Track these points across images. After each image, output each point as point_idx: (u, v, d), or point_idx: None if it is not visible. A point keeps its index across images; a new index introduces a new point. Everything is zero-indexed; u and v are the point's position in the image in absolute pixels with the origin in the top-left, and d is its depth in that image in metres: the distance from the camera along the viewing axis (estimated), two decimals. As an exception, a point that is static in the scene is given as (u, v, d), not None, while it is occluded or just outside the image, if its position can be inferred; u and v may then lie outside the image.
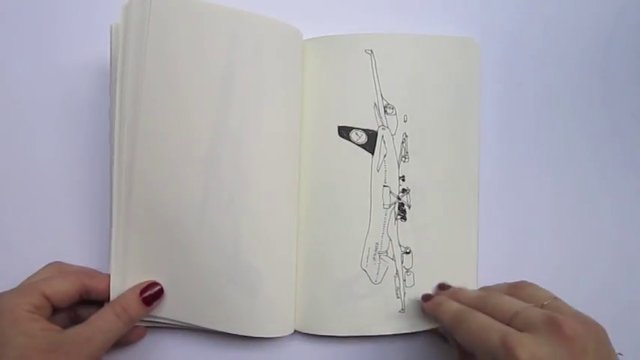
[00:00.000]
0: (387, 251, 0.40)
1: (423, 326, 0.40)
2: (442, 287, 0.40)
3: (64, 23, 0.43)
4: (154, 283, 0.37)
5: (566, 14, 0.44)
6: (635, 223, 0.43)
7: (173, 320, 0.38)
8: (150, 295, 0.36)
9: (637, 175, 0.43)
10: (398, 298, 0.40)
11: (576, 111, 0.44)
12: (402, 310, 0.40)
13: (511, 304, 0.32)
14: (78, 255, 0.40)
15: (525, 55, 0.44)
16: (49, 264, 0.37)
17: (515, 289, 0.35)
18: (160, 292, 0.37)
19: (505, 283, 0.38)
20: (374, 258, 0.40)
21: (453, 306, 0.35)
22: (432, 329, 0.40)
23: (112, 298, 0.36)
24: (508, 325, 0.31)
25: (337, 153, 0.40)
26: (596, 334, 0.30)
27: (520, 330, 0.30)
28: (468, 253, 0.41)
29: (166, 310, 0.37)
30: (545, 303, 0.33)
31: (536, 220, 0.43)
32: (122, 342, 0.37)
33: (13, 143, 0.42)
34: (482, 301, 0.34)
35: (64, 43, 0.43)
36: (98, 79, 0.42)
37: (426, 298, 0.39)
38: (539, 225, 0.43)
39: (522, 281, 0.36)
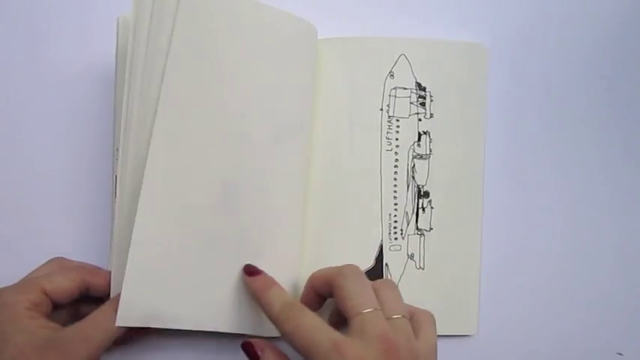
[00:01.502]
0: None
1: None
2: (250, 272, 0.36)
3: (66, 21, 0.42)
4: None
5: (573, 18, 0.45)
6: (636, 223, 0.43)
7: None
8: None
9: (639, 176, 0.43)
10: None
11: (582, 114, 0.44)
12: None
13: (353, 301, 0.31)
14: (78, 252, 0.39)
15: (530, 57, 0.44)
16: (51, 259, 0.37)
17: (339, 277, 0.33)
18: None
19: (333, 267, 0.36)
20: None
21: (284, 297, 0.34)
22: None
23: (112, 295, 0.35)
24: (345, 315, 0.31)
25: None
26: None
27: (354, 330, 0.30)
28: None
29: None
30: (366, 311, 0.31)
31: (536, 220, 0.43)
32: (123, 340, 0.36)
33: (13, 142, 0.41)
34: (334, 278, 0.33)
35: (65, 40, 0.42)
36: (100, 78, 0.42)
37: (252, 271, 0.36)
38: (539, 225, 0.43)
39: (349, 265, 0.34)
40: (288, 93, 0.38)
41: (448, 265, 0.40)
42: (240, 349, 0.34)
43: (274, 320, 0.33)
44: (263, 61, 0.37)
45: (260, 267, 0.37)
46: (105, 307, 0.34)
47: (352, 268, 0.34)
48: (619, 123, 0.44)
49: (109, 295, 0.35)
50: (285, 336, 0.32)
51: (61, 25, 0.42)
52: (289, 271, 0.39)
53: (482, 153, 0.42)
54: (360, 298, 0.32)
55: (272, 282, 0.35)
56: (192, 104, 0.36)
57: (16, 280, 0.35)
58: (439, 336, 0.40)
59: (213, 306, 0.36)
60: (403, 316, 0.32)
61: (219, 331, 0.37)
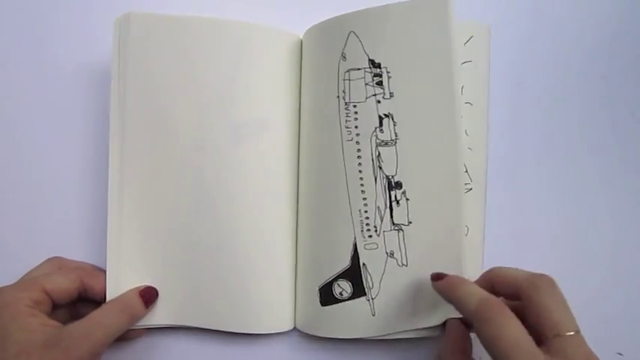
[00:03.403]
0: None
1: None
2: (436, 278, 0.35)
3: (67, 20, 0.43)
4: (151, 287, 0.38)
5: (570, 16, 0.44)
6: (635, 223, 0.42)
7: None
8: (148, 298, 0.37)
9: (637, 175, 0.42)
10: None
11: (578, 111, 0.43)
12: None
13: (552, 320, 0.29)
14: (77, 251, 0.40)
15: (528, 55, 0.44)
16: (49, 259, 0.38)
17: (535, 290, 0.31)
18: (156, 296, 0.38)
19: (521, 271, 0.33)
20: None
21: (477, 291, 0.31)
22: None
23: (108, 297, 0.37)
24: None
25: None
26: None
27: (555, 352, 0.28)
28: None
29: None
30: (568, 334, 0.29)
31: (535, 219, 0.42)
32: (121, 339, 0.37)
33: (12, 141, 0.42)
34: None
35: (66, 39, 0.43)
36: (100, 77, 0.43)
37: (439, 276, 0.34)
38: (538, 224, 0.42)
39: (544, 277, 0.31)
40: (245, 96, 0.38)
41: (432, 260, 0.36)
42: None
43: (472, 318, 0.31)
44: (214, 69, 0.38)
45: (243, 267, 0.37)
46: (107, 306, 0.35)
47: (548, 280, 0.32)
48: (618, 123, 0.43)
49: (104, 299, 0.37)
50: (482, 336, 0.30)
51: (62, 24, 0.43)
52: (278, 268, 0.39)
53: (457, 133, 0.35)
54: (559, 318, 0.30)
55: (462, 280, 0.34)
56: (154, 115, 0.38)
57: (15, 279, 0.36)
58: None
59: (197, 304, 0.38)
60: (578, 332, 0.30)
61: (206, 327, 0.38)
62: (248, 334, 0.39)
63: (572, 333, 0.29)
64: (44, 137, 0.42)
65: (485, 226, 0.39)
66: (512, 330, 0.28)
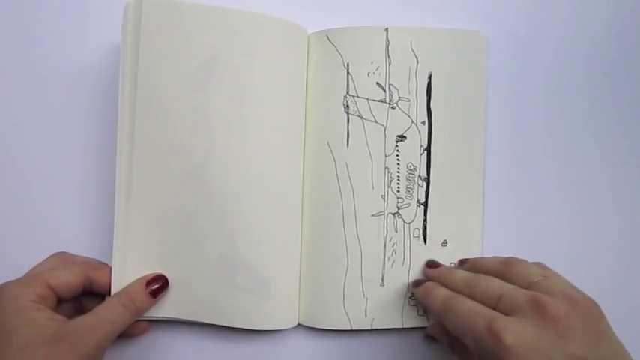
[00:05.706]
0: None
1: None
2: (431, 265, 0.40)
3: (68, 17, 0.43)
4: (160, 276, 0.37)
5: (574, 13, 0.44)
6: (639, 220, 0.42)
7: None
8: (156, 288, 0.36)
9: None
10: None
11: (581, 109, 0.43)
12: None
13: (496, 286, 0.32)
14: (82, 248, 0.40)
15: (532, 52, 0.44)
16: (54, 254, 0.38)
17: (505, 266, 0.34)
18: (166, 285, 0.37)
19: (495, 258, 0.37)
20: None
21: (442, 292, 0.35)
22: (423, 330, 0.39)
23: (113, 291, 0.36)
24: (494, 308, 0.30)
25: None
26: (584, 310, 0.29)
27: (506, 313, 0.29)
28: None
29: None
30: (535, 280, 0.31)
31: (538, 218, 0.42)
32: (126, 335, 0.38)
33: (18, 139, 0.42)
34: (469, 284, 0.34)
35: (67, 36, 0.43)
36: (102, 75, 0.42)
37: (417, 283, 0.38)
38: (541, 224, 0.42)
39: (512, 258, 0.35)
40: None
41: None
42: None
43: (438, 316, 0.35)
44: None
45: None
46: (112, 300, 0.35)
47: (515, 258, 0.35)
48: (620, 120, 0.43)
49: (109, 292, 0.36)
50: (448, 325, 0.33)
51: (63, 21, 0.43)
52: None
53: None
54: (488, 293, 0.32)
55: (433, 286, 0.37)
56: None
57: (19, 275, 0.35)
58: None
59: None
60: (545, 276, 0.32)
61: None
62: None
63: (503, 292, 0.31)
64: (49, 132, 0.42)
65: (484, 229, 0.41)
66: (464, 304, 0.32)
